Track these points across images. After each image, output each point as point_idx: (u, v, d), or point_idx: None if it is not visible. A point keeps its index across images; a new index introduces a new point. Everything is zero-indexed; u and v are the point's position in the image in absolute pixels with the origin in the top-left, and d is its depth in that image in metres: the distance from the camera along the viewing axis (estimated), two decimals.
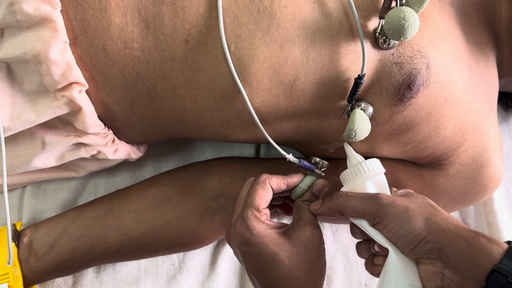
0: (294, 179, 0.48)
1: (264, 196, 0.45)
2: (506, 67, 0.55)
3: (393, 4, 0.44)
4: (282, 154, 0.47)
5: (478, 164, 0.51)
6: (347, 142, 0.48)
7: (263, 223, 0.44)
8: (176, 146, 0.64)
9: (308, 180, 0.48)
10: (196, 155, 0.64)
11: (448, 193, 0.52)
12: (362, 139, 0.45)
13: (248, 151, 0.64)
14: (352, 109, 0.46)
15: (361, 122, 0.44)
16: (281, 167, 0.57)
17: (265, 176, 0.46)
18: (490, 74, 0.52)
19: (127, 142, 0.55)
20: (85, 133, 0.48)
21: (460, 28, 0.50)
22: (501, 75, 0.56)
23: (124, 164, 0.62)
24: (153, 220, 0.54)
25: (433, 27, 0.46)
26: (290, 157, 0.48)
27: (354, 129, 0.44)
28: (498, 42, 0.54)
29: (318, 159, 0.49)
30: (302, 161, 0.48)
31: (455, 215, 0.67)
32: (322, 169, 0.49)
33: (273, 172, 0.56)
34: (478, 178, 0.52)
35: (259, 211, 0.44)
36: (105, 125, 0.50)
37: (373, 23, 0.44)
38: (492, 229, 0.66)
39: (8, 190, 0.60)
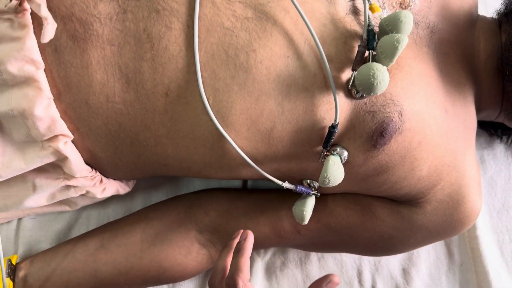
0: (234, 242, 0.47)
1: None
2: (485, 102, 0.56)
3: (367, 53, 0.45)
4: (278, 184, 0.49)
5: (454, 202, 0.52)
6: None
7: None
8: (165, 177, 0.66)
9: (308, 202, 0.51)
10: (184, 186, 0.66)
11: (426, 228, 0.54)
12: (336, 184, 0.47)
13: (236, 182, 0.66)
14: (327, 154, 0.47)
15: (334, 170, 0.45)
16: (266, 199, 0.59)
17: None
18: (467, 112, 0.54)
19: (115, 179, 0.57)
20: (73, 176, 0.50)
21: (437, 69, 0.51)
22: (480, 109, 0.57)
23: (115, 196, 0.64)
24: (141, 254, 0.57)
25: (407, 74, 0.47)
26: (286, 184, 0.49)
27: (328, 177, 0.45)
28: (476, 78, 0.55)
29: (309, 181, 0.52)
30: (298, 186, 0.51)
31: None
32: (315, 190, 0.52)
33: (259, 204, 0.59)
34: (454, 215, 0.53)
35: None
36: (92, 167, 0.52)
37: (347, 74, 0.45)
38: (475, 254, 0.67)
39: (4, 223, 0.63)
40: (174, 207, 0.60)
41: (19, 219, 0.63)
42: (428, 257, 0.68)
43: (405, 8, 0.50)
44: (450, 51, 0.53)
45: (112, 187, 0.56)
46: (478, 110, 0.57)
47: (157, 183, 0.66)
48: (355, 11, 0.47)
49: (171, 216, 0.59)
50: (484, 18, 0.58)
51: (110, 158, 0.50)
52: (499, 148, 0.72)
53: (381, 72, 0.41)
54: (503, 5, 0.57)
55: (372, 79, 0.41)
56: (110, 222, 0.61)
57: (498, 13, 0.58)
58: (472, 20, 0.56)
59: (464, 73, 0.54)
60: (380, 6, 0.48)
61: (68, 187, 0.53)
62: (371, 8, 0.46)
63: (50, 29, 0.39)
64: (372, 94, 0.43)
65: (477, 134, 0.69)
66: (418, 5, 0.51)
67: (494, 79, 0.54)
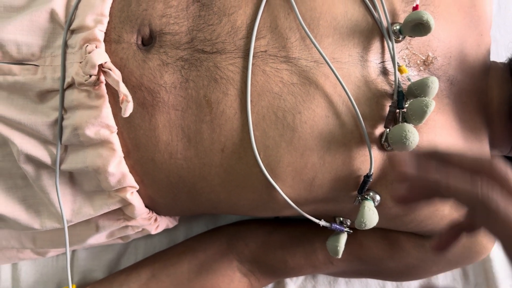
0: None
1: None
2: (498, 142, 0.62)
3: (397, 111, 0.51)
4: (316, 222, 0.55)
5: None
6: None
7: None
8: None
9: (342, 238, 0.57)
10: (222, 217, 0.72)
11: (447, 259, 0.60)
12: (371, 227, 0.53)
13: None
14: (362, 199, 0.53)
15: (370, 215, 0.52)
16: (300, 231, 0.65)
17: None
18: (482, 154, 0.60)
19: (165, 215, 0.63)
20: (133, 218, 0.57)
21: (457, 118, 0.57)
22: (494, 147, 0.63)
23: None
24: (188, 283, 0.63)
25: (431, 127, 0.53)
26: (322, 223, 0.55)
27: (364, 221, 0.52)
28: (490, 122, 0.61)
29: (342, 218, 0.58)
30: (333, 224, 0.56)
31: None
32: (348, 227, 0.57)
33: (294, 237, 0.65)
34: (472, 247, 0.59)
35: None
36: (149, 209, 0.58)
37: (379, 130, 0.51)
38: (489, 276, 0.74)
39: (61, 254, 0.69)
40: (216, 238, 0.66)
41: (74, 250, 0.70)
42: (445, 278, 0.75)
43: (428, 65, 0.56)
44: (468, 100, 0.59)
45: (163, 223, 0.62)
46: (492, 148, 0.63)
47: (198, 215, 0.72)
48: (385, 72, 0.53)
49: (214, 248, 0.65)
50: (496, 66, 0.63)
51: (167, 203, 0.56)
52: None
53: (412, 134, 0.48)
54: None
55: (404, 140, 0.47)
56: (158, 253, 0.68)
57: (510, 60, 0.64)
58: (486, 68, 0.62)
59: (480, 119, 0.60)
60: (406, 65, 0.54)
61: (126, 226, 0.59)
62: (399, 70, 0.52)
63: (130, 106, 0.45)
64: (403, 151, 0.49)
65: None
66: (439, 61, 0.57)
67: (506, 123, 0.60)
